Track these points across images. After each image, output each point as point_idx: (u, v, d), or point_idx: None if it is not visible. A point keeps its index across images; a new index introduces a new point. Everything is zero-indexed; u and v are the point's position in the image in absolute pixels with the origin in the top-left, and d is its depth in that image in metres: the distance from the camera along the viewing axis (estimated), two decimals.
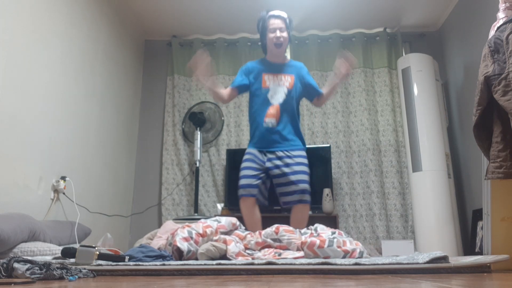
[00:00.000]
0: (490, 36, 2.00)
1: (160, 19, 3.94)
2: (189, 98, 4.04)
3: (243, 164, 2.62)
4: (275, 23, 2.62)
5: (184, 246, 1.87)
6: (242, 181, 2.56)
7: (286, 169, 2.54)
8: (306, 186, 2.53)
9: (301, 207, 2.54)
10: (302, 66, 2.77)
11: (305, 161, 2.62)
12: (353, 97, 3.93)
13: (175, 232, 2.01)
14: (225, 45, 4.11)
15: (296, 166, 2.55)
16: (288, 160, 2.57)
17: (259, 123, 2.63)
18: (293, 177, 2.52)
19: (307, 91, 2.75)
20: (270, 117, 2.59)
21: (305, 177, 2.56)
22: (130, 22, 3.85)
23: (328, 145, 3.63)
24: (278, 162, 2.57)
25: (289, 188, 2.53)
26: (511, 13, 1.98)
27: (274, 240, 2.00)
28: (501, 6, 2.01)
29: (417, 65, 3.52)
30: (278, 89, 2.63)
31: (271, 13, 2.66)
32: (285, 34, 2.64)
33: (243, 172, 2.59)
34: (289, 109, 2.64)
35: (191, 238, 1.91)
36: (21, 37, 2.26)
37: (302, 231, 2.07)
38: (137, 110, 4.05)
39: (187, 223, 2.02)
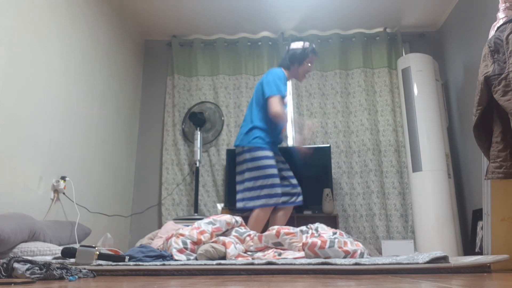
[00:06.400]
0: (490, 36, 2.00)
1: (160, 19, 3.93)
2: (189, 98, 4.03)
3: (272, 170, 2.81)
4: (313, 60, 2.97)
5: (182, 258, 1.87)
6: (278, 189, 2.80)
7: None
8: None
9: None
10: None
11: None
12: (353, 97, 3.93)
13: (169, 239, 2.00)
14: (225, 45, 4.11)
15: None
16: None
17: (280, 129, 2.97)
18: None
19: None
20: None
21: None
22: (130, 22, 3.85)
23: (328, 145, 3.63)
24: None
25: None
26: (511, 13, 1.98)
27: (275, 244, 2.00)
28: (501, 6, 2.01)
29: (417, 65, 3.51)
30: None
31: (315, 50, 2.99)
32: None
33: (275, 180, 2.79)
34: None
35: (186, 249, 1.91)
36: (21, 37, 2.26)
37: (303, 229, 2.06)
38: (137, 110, 4.05)
39: (180, 231, 2.00)
